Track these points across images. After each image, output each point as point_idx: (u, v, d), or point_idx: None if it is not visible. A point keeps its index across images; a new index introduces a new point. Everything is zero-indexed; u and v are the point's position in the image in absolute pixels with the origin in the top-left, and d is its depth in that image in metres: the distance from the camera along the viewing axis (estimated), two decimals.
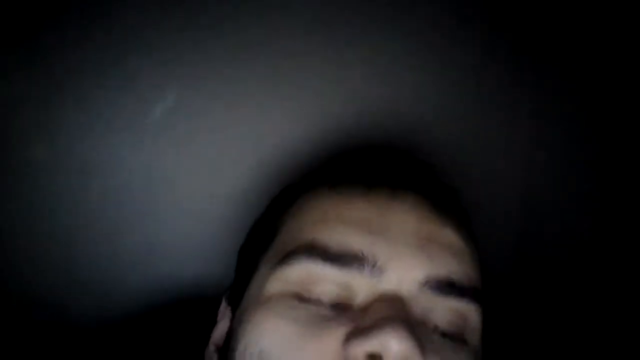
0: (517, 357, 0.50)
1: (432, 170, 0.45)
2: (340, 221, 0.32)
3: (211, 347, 0.36)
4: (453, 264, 0.32)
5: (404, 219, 0.32)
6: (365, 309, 0.29)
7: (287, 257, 0.31)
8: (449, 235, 0.33)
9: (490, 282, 0.41)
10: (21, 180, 0.43)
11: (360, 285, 0.30)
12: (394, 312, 0.28)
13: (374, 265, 0.30)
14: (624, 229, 0.48)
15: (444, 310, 0.31)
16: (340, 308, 0.30)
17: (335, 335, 0.28)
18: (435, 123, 0.45)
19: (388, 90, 0.44)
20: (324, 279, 0.30)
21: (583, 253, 0.49)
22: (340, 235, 0.31)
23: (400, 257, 0.30)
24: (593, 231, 0.49)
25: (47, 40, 0.40)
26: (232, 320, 0.34)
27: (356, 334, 0.28)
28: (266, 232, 0.36)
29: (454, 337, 0.31)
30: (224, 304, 0.38)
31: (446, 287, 0.31)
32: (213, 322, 0.37)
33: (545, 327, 0.51)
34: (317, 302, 0.30)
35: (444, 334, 0.31)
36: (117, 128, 0.42)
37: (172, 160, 0.44)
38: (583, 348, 0.50)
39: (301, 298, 0.30)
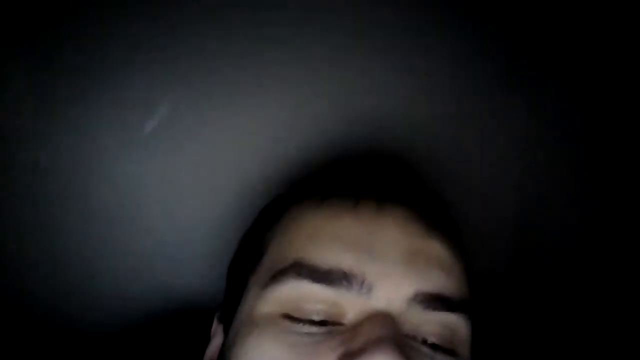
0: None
1: (421, 180, 0.45)
2: (328, 239, 0.32)
3: None
4: (441, 278, 0.32)
5: (392, 234, 0.32)
6: (355, 328, 0.30)
7: (276, 276, 0.32)
8: (437, 249, 0.33)
9: (485, 287, 0.41)
10: (20, 183, 0.43)
11: (350, 304, 0.30)
12: (383, 332, 0.28)
13: (362, 283, 0.30)
14: (619, 231, 0.48)
15: (434, 324, 0.31)
16: (331, 326, 0.30)
17: (327, 358, 0.28)
18: (426, 132, 0.45)
19: (378, 100, 0.43)
20: (313, 298, 0.31)
21: (578, 257, 0.49)
22: (328, 253, 0.31)
23: (388, 274, 0.31)
24: (588, 234, 0.49)
25: (48, 43, 0.40)
26: (224, 338, 0.35)
27: (348, 356, 0.28)
28: (254, 248, 0.36)
29: (444, 349, 0.31)
30: (216, 322, 0.38)
31: (435, 301, 0.31)
32: (207, 334, 0.38)
33: (540, 331, 0.51)
34: (307, 322, 0.30)
35: (434, 347, 0.31)
36: (115, 135, 0.42)
37: (166, 171, 0.44)
38: (577, 351, 0.51)
39: (291, 318, 0.30)
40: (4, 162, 0.43)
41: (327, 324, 0.30)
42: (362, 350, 0.27)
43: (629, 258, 0.49)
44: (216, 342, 0.36)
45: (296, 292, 0.31)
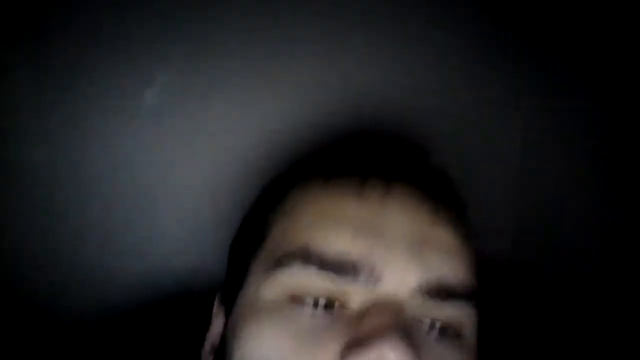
0: (514, 350, 0.50)
1: (427, 159, 0.45)
2: (335, 223, 0.31)
3: (207, 348, 0.36)
4: (447, 266, 0.32)
5: (400, 219, 0.32)
6: (361, 315, 0.29)
7: (281, 261, 0.31)
8: (444, 235, 0.33)
9: (488, 274, 0.41)
10: (16, 176, 0.43)
11: (356, 291, 0.30)
12: (389, 319, 0.28)
13: (370, 274, 0.30)
14: (622, 219, 0.48)
15: (439, 312, 0.31)
16: (336, 312, 0.30)
17: (332, 347, 0.28)
18: (431, 111, 0.44)
19: (382, 78, 0.43)
20: (319, 285, 0.30)
21: (579, 249, 0.49)
22: (335, 241, 0.31)
23: (395, 263, 0.30)
24: (589, 226, 0.48)
25: (47, 39, 0.40)
26: (226, 321, 0.34)
27: (353, 345, 0.28)
28: (257, 229, 0.35)
29: (450, 336, 0.31)
30: (217, 304, 0.37)
31: (439, 291, 0.31)
32: (207, 317, 0.37)
33: (540, 323, 0.51)
34: (312, 307, 0.30)
35: (440, 334, 0.31)
36: (110, 123, 0.42)
37: (164, 152, 0.43)
38: (579, 342, 0.51)
39: (295, 303, 0.30)
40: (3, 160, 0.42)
41: (332, 308, 0.30)
42: (368, 339, 0.27)
43: (630, 251, 0.49)
44: (217, 325, 0.36)
45: (302, 279, 0.30)
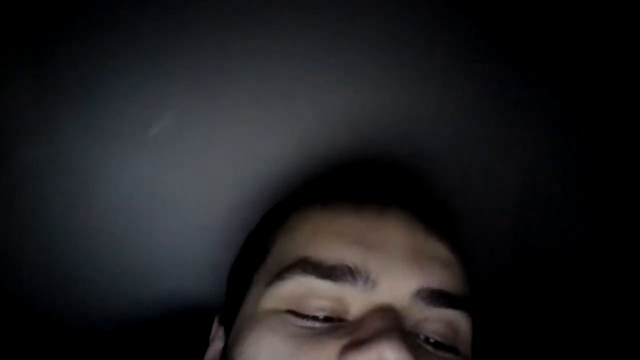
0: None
1: (420, 184, 0.45)
2: (333, 236, 0.32)
3: None
4: (443, 275, 0.32)
5: (394, 233, 0.33)
6: (359, 321, 0.30)
7: (281, 273, 0.32)
8: (438, 248, 0.33)
9: (485, 288, 0.41)
10: (20, 184, 0.43)
11: (354, 299, 0.31)
12: (387, 323, 0.29)
13: (366, 279, 0.30)
14: (619, 235, 0.48)
15: (436, 321, 0.31)
16: (335, 322, 0.30)
17: (331, 349, 0.28)
18: (427, 137, 0.45)
19: (378, 106, 0.43)
20: (318, 294, 0.31)
21: (576, 263, 0.49)
22: (333, 250, 0.31)
23: (392, 270, 0.31)
24: (586, 241, 0.49)
25: (50, 44, 0.40)
26: (226, 340, 0.35)
27: (352, 347, 0.28)
28: (258, 250, 0.36)
29: (445, 346, 0.31)
30: (216, 325, 0.38)
31: (437, 297, 0.31)
32: (205, 339, 0.38)
33: (537, 335, 0.51)
34: (311, 317, 0.30)
35: (436, 344, 0.31)
36: (117, 138, 0.43)
37: (168, 177, 0.44)
38: (574, 354, 0.51)
39: (296, 313, 0.31)
40: (3, 162, 0.42)
41: (331, 320, 0.30)
42: (368, 340, 0.27)
43: (626, 264, 0.49)
44: (216, 345, 0.36)
45: (301, 288, 0.31)
